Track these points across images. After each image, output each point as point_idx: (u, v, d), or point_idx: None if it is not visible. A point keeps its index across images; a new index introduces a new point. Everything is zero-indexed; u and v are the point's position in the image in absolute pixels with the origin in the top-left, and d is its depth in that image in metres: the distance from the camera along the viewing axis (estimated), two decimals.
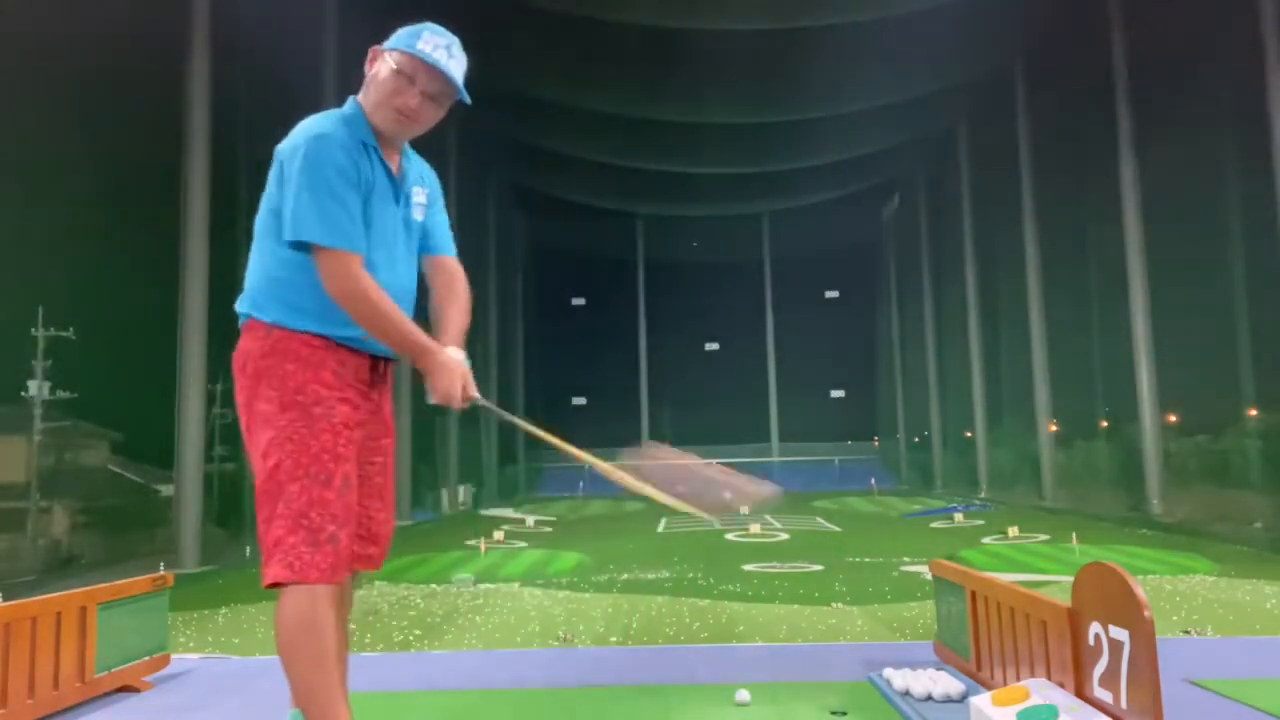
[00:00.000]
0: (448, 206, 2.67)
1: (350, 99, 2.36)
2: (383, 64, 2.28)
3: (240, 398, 2.24)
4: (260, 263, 2.25)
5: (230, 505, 21.55)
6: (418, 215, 2.40)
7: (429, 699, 3.06)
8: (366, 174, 2.21)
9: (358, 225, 2.16)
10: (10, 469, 18.32)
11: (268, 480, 2.16)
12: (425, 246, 2.48)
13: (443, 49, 2.27)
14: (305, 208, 2.11)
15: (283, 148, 2.22)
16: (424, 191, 2.43)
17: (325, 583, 2.12)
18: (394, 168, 2.33)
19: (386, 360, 2.38)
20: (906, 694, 2.83)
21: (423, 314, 2.42)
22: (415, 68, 2.24)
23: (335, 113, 2.30)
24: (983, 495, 32.44)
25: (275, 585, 2.12)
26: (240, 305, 2.28)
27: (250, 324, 2.25)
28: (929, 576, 3.51)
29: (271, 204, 2.24)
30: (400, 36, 2.29)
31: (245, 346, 2.25)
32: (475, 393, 2.30)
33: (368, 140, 2.25)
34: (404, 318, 2.20)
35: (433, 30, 2.28)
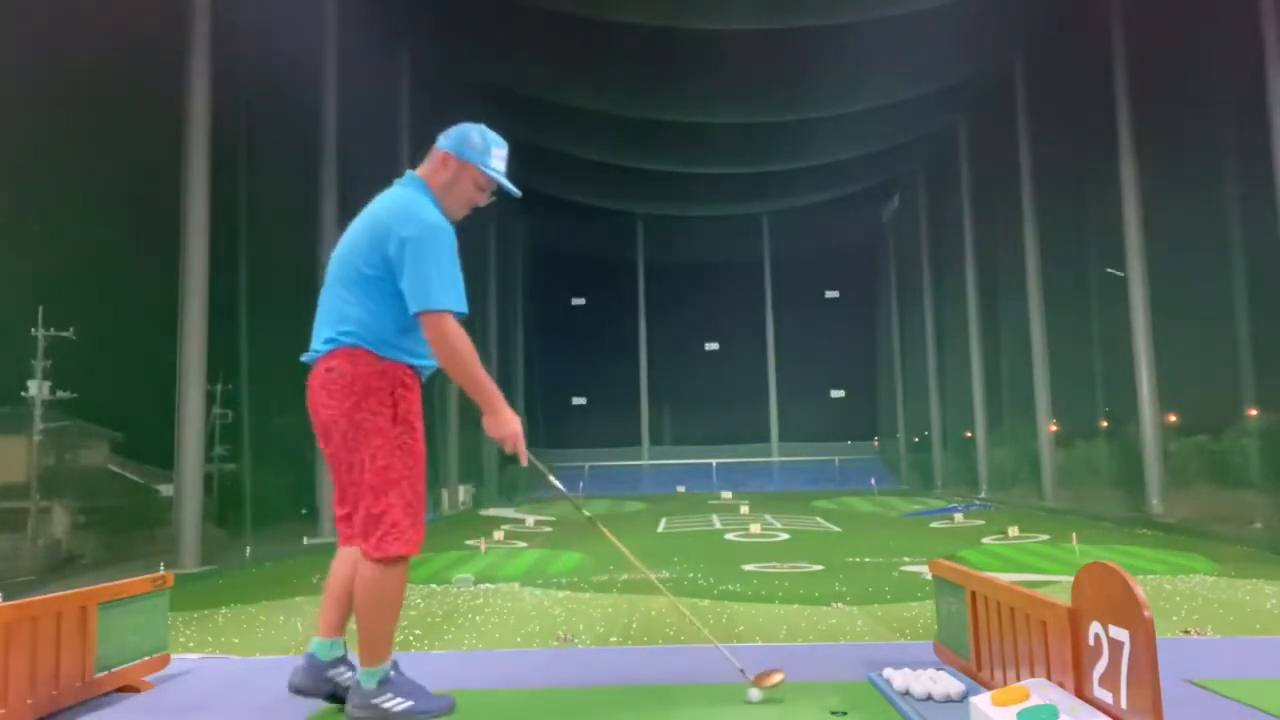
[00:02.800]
0: None
1: (417, 178, 2.91)
2: (464, 176, 2.89)
3: (340, 407, 2.77)
4: (372, 310, 2.77)
5: (230, 505, 21.55)
6: None
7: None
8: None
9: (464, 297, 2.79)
10: (10, 469, 18.32)
11: (379, 476, 2.74)
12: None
13: (504, 159, 2.95)
14: (451, 284, 2.71)
15: (405, 226, 2.72)
16: None
17: (417, 553, 2.81)
18: None
19: None
20: (906, 694, 2.83)
21: None
22: (489, 183, 2.92)
23: (427, 197, 2.85)
24: (983, 495, 32.44)
25: (388, 558, 2.72)
26: (348, 338, 2.78)
27: (360, 351, 2.77)
28: (929, 576, 3.51)
29: (377, 266, 2.74)
30: (475, 149, 2.89)
31: (358, 369, 2.77)
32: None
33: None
34: (481, 365, 2.81)
35: (497, 144, 2.93)
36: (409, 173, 2.95)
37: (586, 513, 3.36)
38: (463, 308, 2.73)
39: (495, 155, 2.93)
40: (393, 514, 2.73)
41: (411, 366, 2.84)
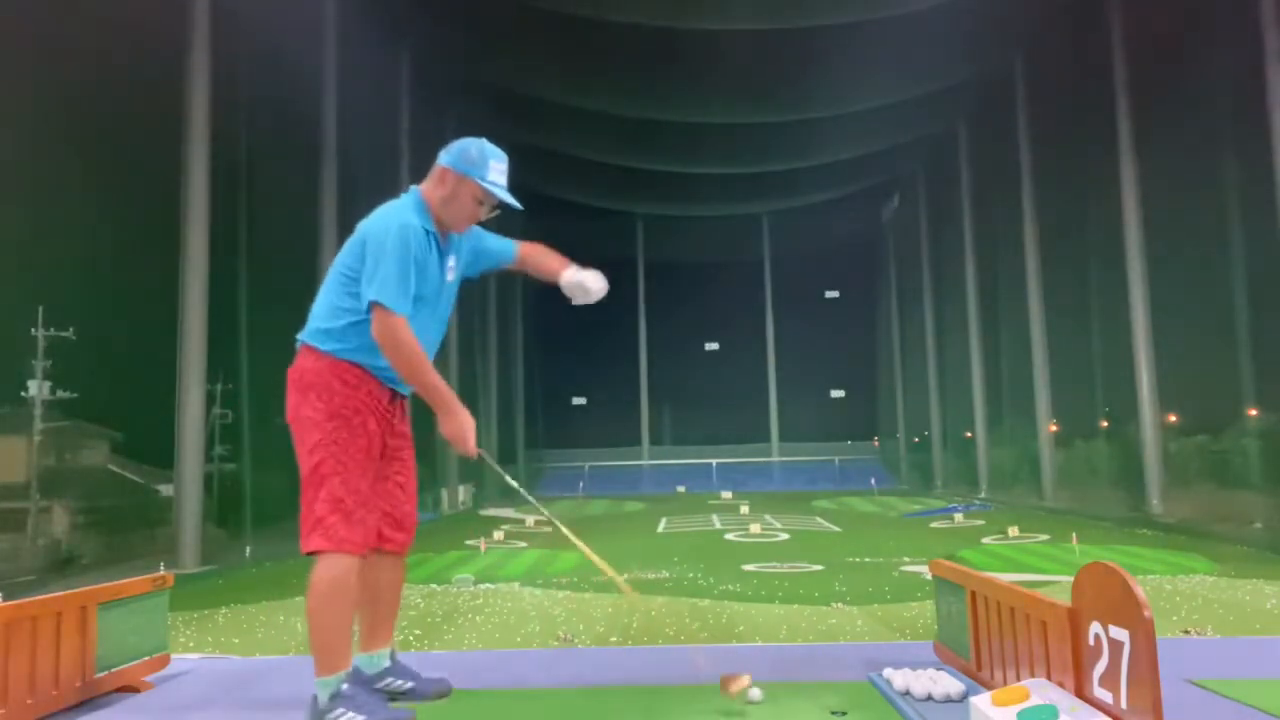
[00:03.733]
0: None
1: (415, 190, 2.95)
2: (462, 189, 2.89)
3: (291, 403, 2.84)
4: (325, 307, 2.86)
5: (230, 505, 21.54)
6: (449, 277, 3.02)
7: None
8: (425, 255, 2.84)
9: (409, 296, 2.77)
10: (10, 469, 18.32)
11: (313, 472, 2.75)
12: (500, 257, 3.25)
13: (503, 173, 2.95)
14: (386, 278, 2.71)
15: (371, 227, 2.82)
16: (453, 257, 3.03)
17: (355, 553, 2.72)
18: (442, 242, 2.95)
19: (398, 395, 2.98)
20: (906, 694, 2.83)
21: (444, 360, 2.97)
22: (488, 196, 2.93)
23: (410, 203, 2.89)
24: (983, 495, 32.43)
25: (313, 553, 2.69)
26: (303, 334, 2.88)
27: (308, 348, 2.85)
28: (929, 576, 3.51)
29: (346, 266, 2.83)
30: (472, 163, 2.90)
31: (303, 364, 2.85)
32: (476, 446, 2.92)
33: (429, 228, 2.88)
34: (431, 367, 2.81)
35: (496, 156, 2.93)
36: (412, 187, 2.98)
37: (546, 513, 3.36)
38: (389, 302, 2.68)
39: (494, 169, 2.92)
40: (319, 509, 2.71)
41: (359, 365, 2.83)
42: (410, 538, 3.05)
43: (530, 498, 3.53)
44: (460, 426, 2.83)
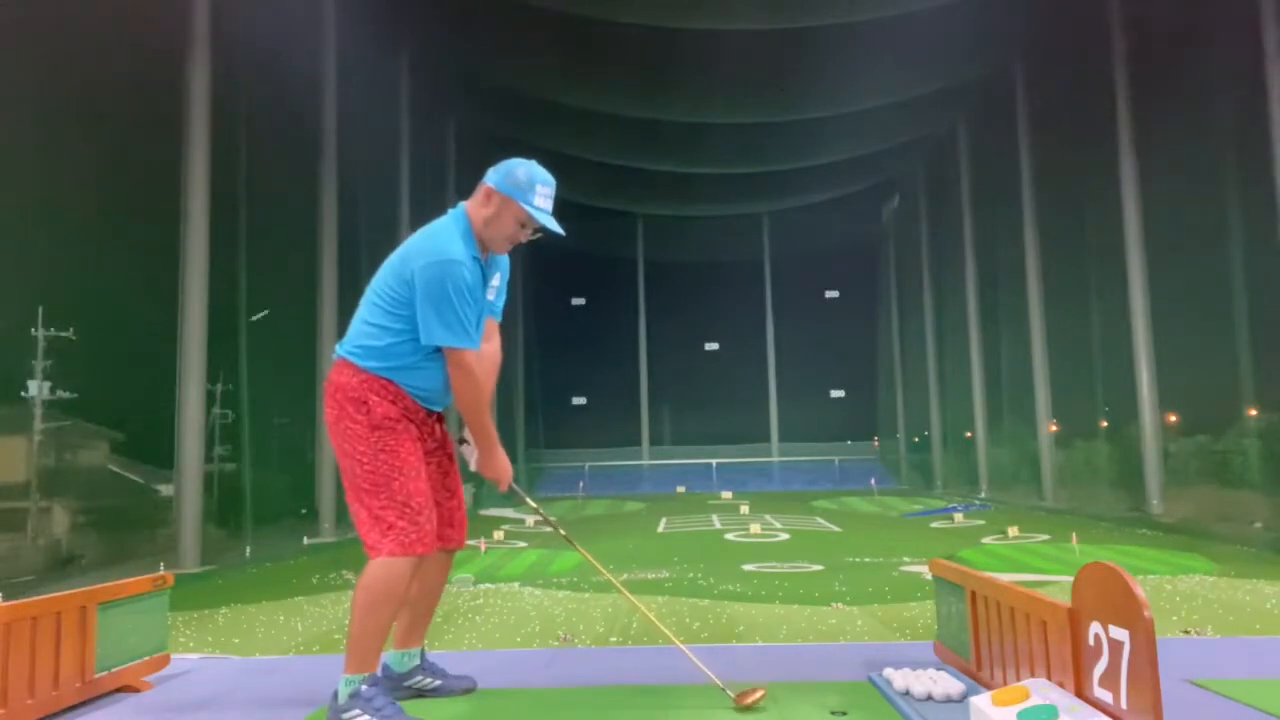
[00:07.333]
0: (447, 207, 3.09)
1: (462, 209, 3.00)
2: (505, 210, 2.94)
3: (330, 415, 2.94)
4: (365, 326, 2.95)
5: (230, 505, 21.54)
6: (490, 296, 3.11)
7: (429, 699, 3.07)
8: (475, 285, 2.91)
9: (474, 327, 2.88)
10: (10, 469, 18.31)
11: (367, 479, 2.84)
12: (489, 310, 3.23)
13: (549, 198, 2.99)
14: (452, 324, 2.81)
15: (416, 258, 2.85)
16: (499, 276, 3.14)
17: (424, 554, 2.85)
18: (485, 262, 3.02)
19: (430, 413, 3.10)
20: (906, 694, 2.83)
21: None
22: (530, 220, 2.97)
23: (457, 229, 2.92)
24: (983, 495, 32.42)
25: (393, 556, 2.78)
26: (341, 349, 2.99)
27: (346, 363, 2.94)
28: (929, 576, 3.51)
29: (391, 288, 2.90)
30: (518, 185, 2.94)
31: (340, 379, 2.93)
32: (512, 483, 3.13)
33: (476, 255, 2.94)
34: (488, 408, 3.01)
35: (543, 181, 2.99)
36: (460, 204, 3.04)
37: (563, 532, 3.43)
38: (461, 344, 2.83)
39: (540, 193, 2.97)
40: (388, 515, 2.80)
41: (394, 383, 2.92)
42: (462, 534, 3.22)
43: (560, 528, 3.59)
44: (499, 469, 3.03)
